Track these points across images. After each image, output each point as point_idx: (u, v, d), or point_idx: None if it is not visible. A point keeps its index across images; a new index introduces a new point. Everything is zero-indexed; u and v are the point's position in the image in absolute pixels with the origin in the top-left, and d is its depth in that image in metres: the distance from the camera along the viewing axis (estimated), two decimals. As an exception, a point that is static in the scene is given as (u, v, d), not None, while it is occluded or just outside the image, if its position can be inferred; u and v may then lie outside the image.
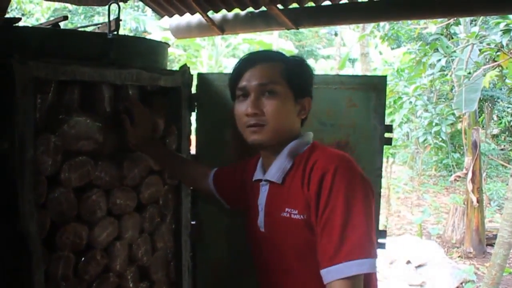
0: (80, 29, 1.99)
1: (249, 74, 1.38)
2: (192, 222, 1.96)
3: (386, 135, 1.87)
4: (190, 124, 1.90)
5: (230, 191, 1.71)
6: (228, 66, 12.47)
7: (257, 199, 1.47)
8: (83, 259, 1.54)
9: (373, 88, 1.84)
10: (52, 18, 1.92)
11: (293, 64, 1.42)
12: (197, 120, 1.97)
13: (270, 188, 1.43)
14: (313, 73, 1.48)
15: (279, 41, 12.35)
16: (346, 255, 1.17)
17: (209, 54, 12.57)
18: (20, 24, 1.52)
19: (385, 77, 1.91)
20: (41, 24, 2.00)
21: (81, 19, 13.88)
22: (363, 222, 1.21)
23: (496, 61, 5.97)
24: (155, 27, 13.36)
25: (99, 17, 13.78)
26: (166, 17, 3.07)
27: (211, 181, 1.74)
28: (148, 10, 14.51)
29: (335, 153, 1.34)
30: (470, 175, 6.54)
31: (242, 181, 1.64)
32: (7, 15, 1.78)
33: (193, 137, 1.94)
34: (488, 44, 5.63)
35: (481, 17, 6.29)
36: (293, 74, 1.39)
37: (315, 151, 1.37)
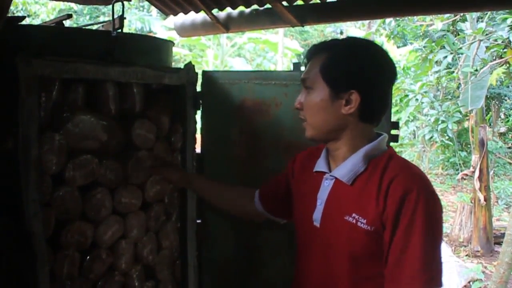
0: (84, 28, 1.99)
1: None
2: (198, 221, 1.95)
3: (392, 132, 1.85)
4: (195, 122, 1.89)
5: (278, 202, 1.62)
6: (233, 65, 12.47)
7: (317, 192, 1.38)
8: (88, 258, 1.54)
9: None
10: (55, 18, 1.91)
11: (338, 54, 1.28)
12: (202, 118, 1.96)
13: (335, 185, 1.34)
14: (365, 62, 1.27)
15: (284, 40, 12.33)
16: (425, 283, 1.19)
17: (215, 53, 12.57)
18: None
19: (391, 73, 1.89)
20: (45, 22, 1.99)
21: (86, 20, 13.92)
22: (439, 252, 1.23)
23: (503, 58, 5.93)
24: (160, 27, 13.37)
25: (104, 17, 13.82)
26: (171, 17, 3.06)
27: (258, 201, 1.65)
28: (153, 10, 14.54)
29: (416, 171, 1.28)
30: (477, 173, 6.49)
31: (287, 184, 1.57)
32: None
33: (198, 136, 1.93)
34: (495, 40, 5.60)
35: (488, 13, 6.25)
36: (330, 67, 1.27)
37: (393, 160, 1.29)
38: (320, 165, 1.41)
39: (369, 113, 1.31)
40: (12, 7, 1.26)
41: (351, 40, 1.37)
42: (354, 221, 1.26)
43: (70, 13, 1.93)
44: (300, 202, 1.48)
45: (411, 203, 1.19)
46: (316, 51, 1.33)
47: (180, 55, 12.50)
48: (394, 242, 1.21)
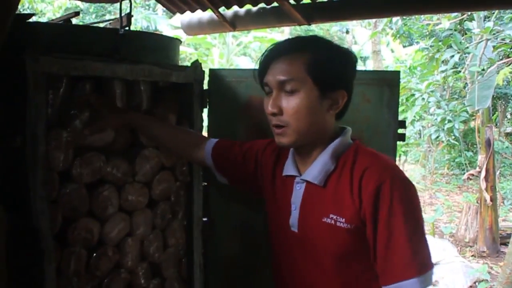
0: (91, 25, 1.99)
1: (272, 68, 1.26)
2: (204, 219, 1.95)
3: (399, 131, 1.85)
4: (201, 120, 1.89)
5: (236, 171, 1.59)
6: (239, 64, 12.47)
7: (290, 197, 1.35)
8: (94, 255, 1.54)
9: (387, 83, 1.82)
10: (62, 16, 1.92)
11: (324, 53, 1.25)
12: (209, 116, 1.96)
13: (307, 188, 1.32)
14: (351, 61, 1.30)
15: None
16: (418, 270, 1.18)
17: (220, 52, 12.57)
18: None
19: (398, 72, 1.89)
20: (52, 20, 2.00)
21: (93, 18, 13.96)
22: (423, 235, 1.23)
23: (510, 57, 5.90)
24: (166, 25, 13.38)
25: (110, 16, 13.85)
26: (177, 15, 3.06)
27: (209, 154, 1.61)
28: (159, 9, 14.56)
29: (385, 161, 1.26)
30: (483, 173, 6.47)
31: (256, 166, 1.53)
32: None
33: (205, 133, 1.93)
34: (503, 40, 5.57)
35: (496, 12, 6.22)
36: (320, 66, 1.23)
37: (360, 154, 1.28)
38: (289, 169, 1.38)
39: (344, 111, 1.33)
40: (19, 5, 1.26)
41: (326, 40, 1.32)
42: (332, 221, 1.25)
43: (77, 10, 1.93)
44: (274, 208, 1.45)
45: (386, 194, 1.18)
46: (292, 49, 1.26)
47: (186, 53, 12.52)
48: (378, 236, 1.21)
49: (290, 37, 1.45)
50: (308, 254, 1.32)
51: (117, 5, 1.78)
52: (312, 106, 1.24)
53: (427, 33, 7.84)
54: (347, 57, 1.29)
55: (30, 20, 1.46)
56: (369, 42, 10.76)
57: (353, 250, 1.26)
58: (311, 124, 1.25)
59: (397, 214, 1.18)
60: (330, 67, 1.25)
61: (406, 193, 1.21)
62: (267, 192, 1.49)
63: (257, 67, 1.34)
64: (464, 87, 7.44)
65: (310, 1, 2.63)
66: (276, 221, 1.44)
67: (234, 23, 2.96)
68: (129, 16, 1.74)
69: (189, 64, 1.83)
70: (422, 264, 1.19)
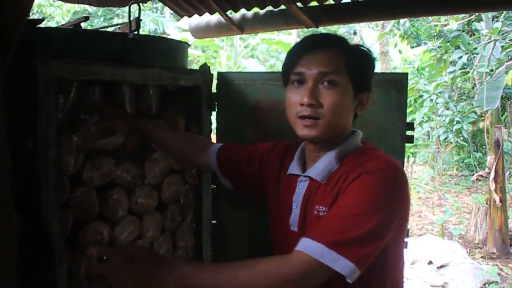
0: (101, 30, 2.01)
1: (309, 59, 1.23)
2: (213, 221, 1.96)
3: (407, 133, 1.85)
4: (210, 123, 1.90)
5: (240, 174, 1.58)
6: (246, 66, 12.49)
7: (292, 195, 1.35)
8: (105, 257, 1.55)
9: (394, 85, 1.82)
10: (72, 20, 1.94)
11: (358, 53, 1.28)
12: (217, 119, 1.97)
13: (310, 185, 1.31)
14: (375, 66, 1.35)
15: (298, 41, 12.26)
16: (328, 241, 1.09)
17: (228, 55, 12.60)
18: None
19: (406, 74, 1.88)
20: (62, 25, 2.02)
21: (101, 22, 14.04)
22: (373, 231, 1.12)
23: (519, 58, 5.87)
24: (174, 28, 13.43)
25: (118, 19, 13.91)
26: (184, 18, 3.07)
27: (214, 158, 1.60)
28: (167, 12, 14.61)
29: (385, 158, 1.24)
30: (492, 174, 6.42)
31: (261, 167, 1.52)
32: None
33: (213, 136, 1.94)
34: (511, 40, 5.53)
35: (504, 13, 6.19)
36: (356, 65, 1.24)
37: (366, 154, 1.27)
38: (294, 168, 1.38)
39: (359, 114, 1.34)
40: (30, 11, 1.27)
41: (361, 45, 1.35)
42: (317, 212, 1.24)
43: (87, 15, 1.95)
44: (276, 207, 1.44)
45: (363, 178, 1.16)
46: (329, 44, 1.26)
47: (194, 56, 12.55)
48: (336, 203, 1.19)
49: (299, 39, 1.44)
50: None
51: (125, 8, 1.80)
52: (349, 103, 1.26)
53: (435, 34, 7.82)
54: (373, 60, 1.32)
55: (41, 25, 1.48)
56: (377, 43, 10.73)
57: None
58: (342, 121, 1.27)
59: (357, 190, 1.15)
60: (363, 68, 1.28)
61: (380, 183, 1.15)
62: (271, 193, 1.48)
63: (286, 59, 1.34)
64: (473, 88, 7.41)
65: (317, 4, 2.63)
66: (277, 221, 1.43)
67: (242, 26, 2.97)
68: (138, 20, 1.75)
69: (197, 67, 1.84)
70: (338, 242, 1.09)
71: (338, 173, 1.26)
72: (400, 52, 12.69)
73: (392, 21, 7.46)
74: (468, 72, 6.91)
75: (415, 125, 1.97)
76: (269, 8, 2.75)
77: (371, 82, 1.33)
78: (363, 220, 1.11)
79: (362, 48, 1.31)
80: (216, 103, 1.93)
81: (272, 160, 1.50)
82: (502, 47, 5.93)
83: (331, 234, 1.11)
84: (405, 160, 1.64)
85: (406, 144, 1.86)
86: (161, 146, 1.68)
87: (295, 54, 1.28)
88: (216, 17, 3.04)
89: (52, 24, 11.21)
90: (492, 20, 6.63)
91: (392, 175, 1.19)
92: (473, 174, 9.18)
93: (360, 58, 1.28)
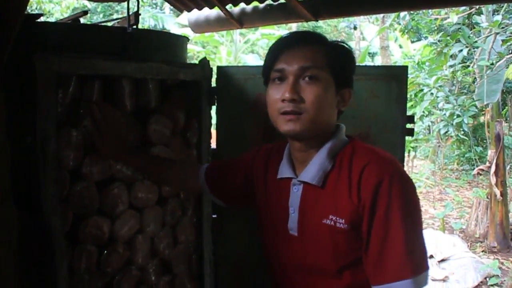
0: (100, 24, 2.00)
1: (288, 55, 1.23)
2: (213, 216, 1.96)
3: (408, 126, 1.84)
4: (210, 117, 1.89)
5: (228, 189, 1.58)
6: (246, 62, 12.48)
7: (287, 200, 1.32)
8: (105, 252, 1.55)
9: (394, 78, 1.82)
10: (71, 15, 1.93)
11: (337, 49, 1.27)
12: (217, 113, 1.97)
13: (304, 189, 1.29)
14: (355, 61, 1.34)
15: (297, 35, 12.25)
16: (413, 271, 1.14)
17: (228, 50, 12.59)
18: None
19: (406, 67, 1.88)
20: (61, 20, 2.01)
21: (100, 18, 14.02)
22: (421, 235, 1.19)
23: (519, 51, 5.85)
24: (173, 24, 13.41)
25: (118, 15, 13.90)
26: (184, 14, 3.07)
27: (203, 180, 1.60)
28: (166, 8, 14.60)
29: (384, 156, 1.24)
30: (493, 168, 6.42)
31: (246, 177, 1.51)
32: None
33: (213, 131, 1.93)
34: (512, 34, 5.52)
35: (504, 6, 6.17)
36: (337, 61, 1.24)
37: (357, 151, 1.25)
38: (284, 171, 1.35)
39: (342, 111, 1.32)
40: (27, 6, 1.27)
41: (340, 41, 1.35)
42: (332, 223, 1.22)
43: (85, 10, 1.94)
44: (269, 211, 1.41)
45: (385, 190, 1.15)
46: (308, 40, 1.26)
47: (194, 52, 12.55)
48: (374, 232, 1.17)
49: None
50: (309, 257, 1.29)
51: (125, 4, 1.79)
52: (331, 97, 1.24)
53: (435, 27, 7.80)
54: (354, 57, 1.33)
55: (39, 20, 1.47)
56: (377, 38, 10.74)
57: (353, 247, 1.23)
58: (325, 116, 1.24)
59: (395, 210, 1.15)
60: (344, 63, 1.28)
61: (406, 190, 1.18)
62: (260, 200, 1.46)
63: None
64: (473, 82, 7.40)
65: (317, -3, 2.63)
66: (272, 226, 1.40)
67: (241, 20, 2.96)
68: (136, 14, 1.75)
69: (198, 62, 1.83)
70: (417, 265, 1.15)
71: (334, 173, 1.25)
72: (400, 46, 12.69)
73: (392, 15, 7.45)
74: (469, 65, 6.90)
75: (415, 119, 1.97)
76: (269, 2, 2.74)
77: (353, 78, 1.32)
78: (416, 236, 1.18)
79: (342, 44, 1.30)
80: (215, 98, 1.92)
81: (257, 165, 1.48)
82: (502, 40, 5.91)
83: (406, 265, 1.15)
84: (406, 154, 1.63)
85: (407, 138, 1.85)
86: (153, 178, 1.69)
87: (275, 52, 1.27)
88: (215, 12, 3.04)
89: (51, 20, 11.20)
90: (493, 14, 6.61)
91: (403, 171, 1.24)
92: (473, 168, 9.19)
93: (341, 53, 1.28)
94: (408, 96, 6.68)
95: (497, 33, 5.78)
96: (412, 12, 6.92)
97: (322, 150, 1.27)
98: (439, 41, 6.35)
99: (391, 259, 1.16)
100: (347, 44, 1.32)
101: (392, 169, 1.19)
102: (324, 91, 1.21)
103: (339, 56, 1.26)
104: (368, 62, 14.43)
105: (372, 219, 1.17)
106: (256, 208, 1.49)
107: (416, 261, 1.16)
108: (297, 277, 1.34)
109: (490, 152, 6.64)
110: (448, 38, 5.98)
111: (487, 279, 5.30)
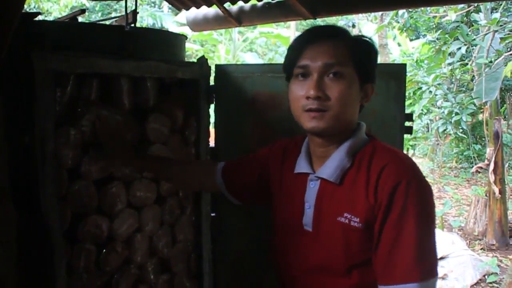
0: (97, 23, 2.00)
1: (312, 51, 1.20)
2: (212, 214, 1.96)
3: (406, 123, 1.84)
4: (208, 116, 1.89)
5: (244, 185, 1.56)
6: (245, 60, 12.48)
7: (303, 195, 1.31)
8: (104, 251, 1.55)
9: (393, 76, 1.81)
10: (69, 14, 1.93)
11: (361, 43, 1.25)
12: (215, 112, 1.96)
13: (322, 185, 1.28)
14: (377, 56, 1.31)
15: (296, 34, 12.29)
16: (421, 275, 1.13)
17: (226, 48, 12.58)
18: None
19: (404, 65, 1.88)
20: (59, 18, 2.01)
21: (99, 16, 14.00)
22: (433, 241, 1.17)
23: (518, 49, 5.86)
24: (172, 22, 13.40)
25: (116, 14, 13.89)
26: (182, 13, 3.06)
27: (220, 178, 1.57)
28: (164, 6, 14.58)
29: (403, 159, 1.23)
30: (492, 166, 6.43)
31: (262, 173, 1.49)
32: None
33: (211, 129, 1.93)
34: (510, 31, 5.53)
35: (503, 3, 6.17)
36: (361, 56, 1.22)
37: (377, 151, 1.24)
38: (302, 166, 1.34)
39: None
40: (25, 5, 1.27)
41: (363, 35, 1.32)
42: (347, 221, 1.21)
43: (83, 8, 1.94)
44: (284, 206, 1.40)
45: (402, 193, 1.14)
46: (332, 35, 1.23)
47: (192, 50, 12.54)
48: (385, 232, 1.16)
49: (298, 32, 1.43)
50: (320, 254, 1.28)
51: (123, 3, 1.79)
52: (356, 94, 1.22)
53: (434, 25, 7.80)
54: (377, 50, 1.30)
55: (37, 18, 1.47)
56: (376, 36, 10.71)
57: (366, 247, 1.22)
58: (349, 113, 1.23)
59: (410, 213, 1.14)
60: (368, 58, 1.25)
61: (423, 195, 1.17)
62: (275, 193, 1.45)
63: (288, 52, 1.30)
64: (472, 80, 7.39)
65: (315, -5, 2.62)
66: (286, 220, 1.39)
67: (240, 18, 2.95)
68: (134, 13, 1.75)
69: (196, 60, 1.83)
70: (426, 271, 1.14)
71: (353, 171, 1.24)
72: (399, 44, 12.69)
73: (391, 14, 7.44)
74: (467, 63, 6.89)
75: (414, 117, 1.97)
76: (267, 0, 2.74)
77: (375, 73, 1.29)
78: (428, 241, 1.16)
79: (364, 38, 1.28)
80: (214, 96, 1.92)
81: (272, 162, 1.47)
82: (501, 38, 5.90)
83: (415, 268, 1.13)
84: (404, 152, 1.63)
85: (405, 136, 1.85)
86: (166, 181, 1.72)
87: (298, 47, 1.24)
88: (213, 10, 3.03)
89: (49, 19, 11.18)
90: (491, 11, 6.61)
91: (422, 175, 1.21)
92: (472, 166, 9.19)
93: (364, 48, 1.25)
94: (407, 94, 6.69)
95: (496, 31, 5.77)
96: (410, 10, 6.92)
97: (342, 147, 1.26)
98: (437, 39, 6.35)
99: (401, 261, 1.15)
100: (369, 38, 1.29)
101: (411, 173, 1.18)
102: (348, 88, 1.19)
103: (362, 50, 1.24)
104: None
105: (385, 219, 1.16)
106: (270, 203, 1.48)
107: (425, 266, 1.14)
108: (305, 275, 1.33)
109: (489, 150, 6.64)
110: (447, 36, 5.98)
111: (486, 276, 5.30)
